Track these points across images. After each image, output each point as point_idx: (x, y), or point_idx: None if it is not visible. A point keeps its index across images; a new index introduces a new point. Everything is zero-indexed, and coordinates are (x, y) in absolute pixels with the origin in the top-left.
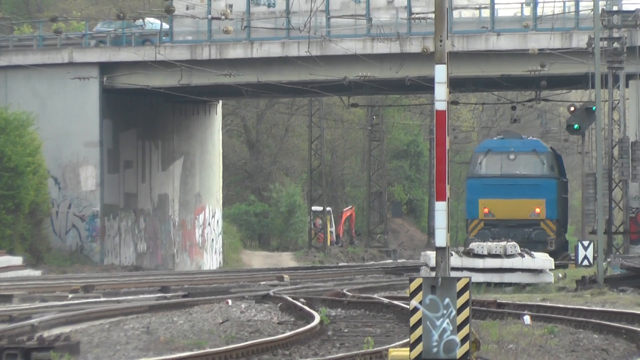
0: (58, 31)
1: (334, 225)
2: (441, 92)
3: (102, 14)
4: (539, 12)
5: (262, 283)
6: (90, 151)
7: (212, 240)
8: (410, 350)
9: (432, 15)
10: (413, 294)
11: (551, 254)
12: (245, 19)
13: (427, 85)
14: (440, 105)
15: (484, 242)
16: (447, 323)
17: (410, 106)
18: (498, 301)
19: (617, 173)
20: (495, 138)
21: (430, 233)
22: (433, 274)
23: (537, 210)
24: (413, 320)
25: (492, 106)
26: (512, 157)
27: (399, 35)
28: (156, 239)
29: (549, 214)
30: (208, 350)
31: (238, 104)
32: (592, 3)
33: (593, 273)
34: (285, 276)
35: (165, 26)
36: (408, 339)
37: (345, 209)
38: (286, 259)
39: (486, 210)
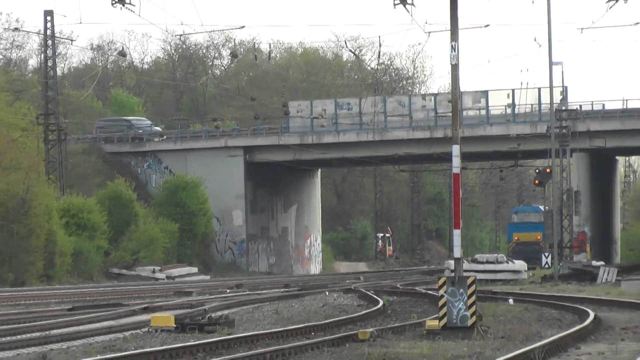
0: (217, 127)
1: (392, 245)
2: (456, 161)
3: (245, 115)
4: (517, 111)
5: (347, 281)
6: (238, 201)
7: (315, 255)
8: (439, 321)
9: (450, 114)
10: (440, 287)
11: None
12: (334, 118)
13: (447, 158)
14: (456, 170)
15: (516, 255)
16: (462, 304)
17: (437, 170)
18: (493, 290)
19: (565, 210)
20: (520, 206)
21: (450, 249)
22: (452, 274)
23: (539, 237)
24: (440, 303)
25: (488, 169)
26: (526, 213)
27: (430, 126)
28: (281, 255)
29: (543, 239)
30: (314, 323)
31: (330, 170)
32: (549, 105)
33: (551, 272)
34: (361, 277)
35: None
36: (438, 314)
37: (388, 235)
38: (361, 266)
39: (516, 238)
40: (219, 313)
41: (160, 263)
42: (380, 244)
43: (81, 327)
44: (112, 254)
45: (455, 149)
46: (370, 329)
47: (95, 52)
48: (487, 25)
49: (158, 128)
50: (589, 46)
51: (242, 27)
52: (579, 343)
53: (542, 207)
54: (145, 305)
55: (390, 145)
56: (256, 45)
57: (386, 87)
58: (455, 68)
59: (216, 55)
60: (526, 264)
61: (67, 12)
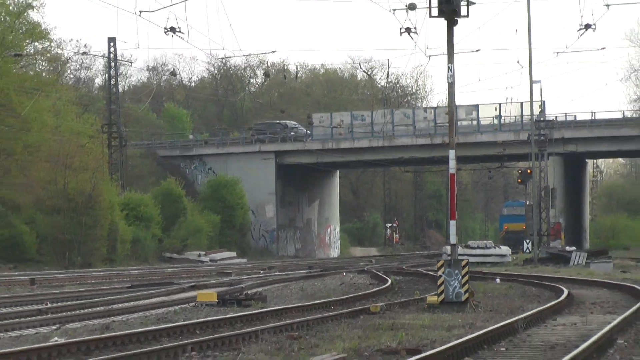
0: (252, 134)
1: (398, 233)
2: (452, 164)
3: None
4: (503, 121)
5: (360, 263)
6: (270, 197)
7: (334, 242)
8: (438, 297)
9: (447, 124)
10: (439, 268)
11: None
12: (350, 127)
13: (445, 160)
14: (452, 170)
15: (506, 241)
16: (457, 283)
17: (436, 171)
18: (483, 271)
19: (543, 204)
20: (509, 201)
21: (447, 237)
22: (449, 258)
23: (523, 227)
24: (439, 282)
25: (478, 170)
26: (514, 207)
27: (430, 134)
28: (305, 242)
29: (527, 229)
30: (333, 298)
31: (347, 171)
32: (530, 116)
33: (532, 256)
34: (373, 260)
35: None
36: (437, 291)
37: (395, 225)
38: (373, 251)
39: (506, 227)
40: (254, 290)
41: (205, 248)
42: (388, 233)
43: (139, 302)
44: (164, 241)
45: (452, 153)
46: (381, 304)
47: (150, 72)
48: (478, 50)
49: (307, 131)
50: (563, 67)
51: (274, 51)
52: (555, 315)
53: (524, 202)
54: (193, 283)
55: (397, 150)
56: (285, 67)
57: (394, 102)
58: (451, 86)
59: (252, 74)
60: (510, 249)
61: (127, 39)
